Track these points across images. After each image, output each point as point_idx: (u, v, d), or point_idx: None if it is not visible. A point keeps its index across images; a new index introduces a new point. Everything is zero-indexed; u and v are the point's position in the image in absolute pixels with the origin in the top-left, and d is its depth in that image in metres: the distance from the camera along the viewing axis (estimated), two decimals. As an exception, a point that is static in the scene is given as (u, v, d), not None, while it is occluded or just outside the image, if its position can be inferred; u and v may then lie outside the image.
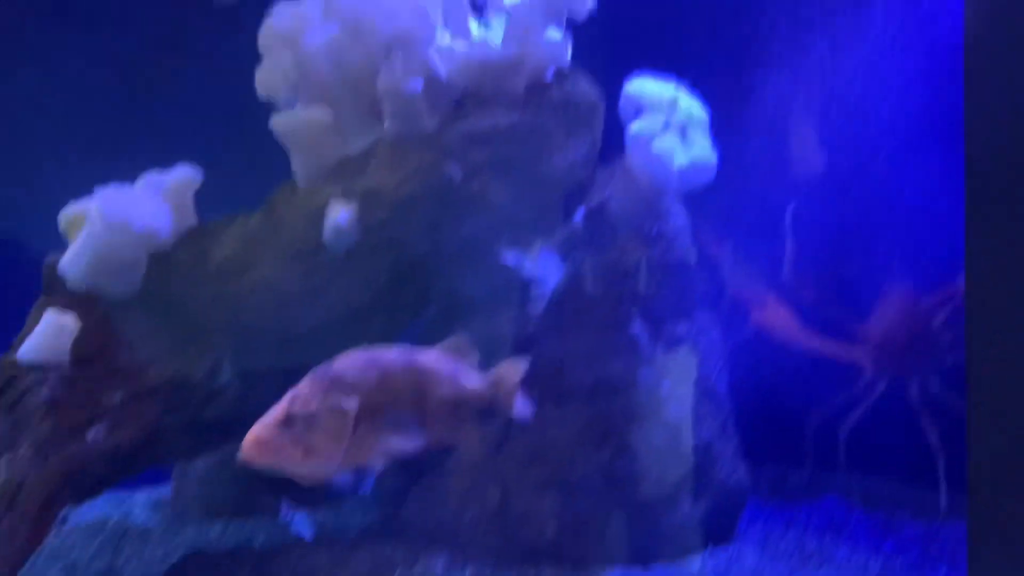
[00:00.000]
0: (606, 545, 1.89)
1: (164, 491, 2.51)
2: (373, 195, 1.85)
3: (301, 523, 2.27)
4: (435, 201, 1.88)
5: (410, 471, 2.01)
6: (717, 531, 2.04)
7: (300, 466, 1.31)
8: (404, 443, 1.39)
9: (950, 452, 2.22)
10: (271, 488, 2.32)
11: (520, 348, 2.03)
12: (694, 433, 2.04)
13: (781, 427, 2.48)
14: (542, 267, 2.19)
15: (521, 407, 1.61)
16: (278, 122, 1.89)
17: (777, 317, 2.43)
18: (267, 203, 1.91)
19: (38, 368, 1.66)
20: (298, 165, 1.92)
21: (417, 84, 1.85)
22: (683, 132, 2.08)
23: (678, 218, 2.16)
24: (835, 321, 2.43)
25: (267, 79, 1.98)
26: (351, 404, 1.35)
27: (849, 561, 1.99)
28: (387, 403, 1.39)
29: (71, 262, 1.72)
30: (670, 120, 2.07)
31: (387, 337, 2.15)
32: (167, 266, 1.80)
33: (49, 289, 1.75)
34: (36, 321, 1.70)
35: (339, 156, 1.91)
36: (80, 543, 2.13)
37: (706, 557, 1.97)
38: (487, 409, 1.58)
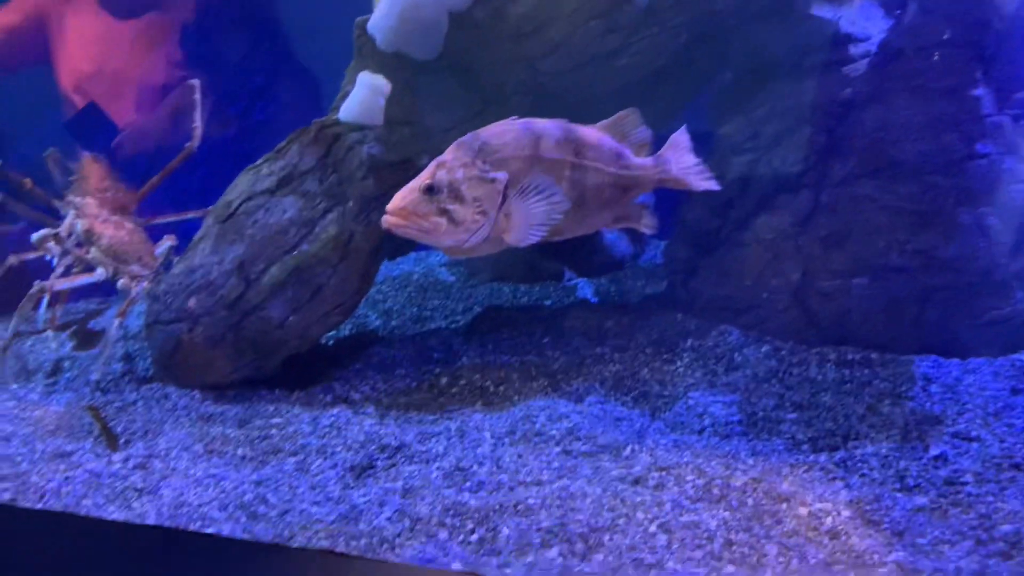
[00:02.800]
0: (918, 332, 1.74)
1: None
2: (677, -60, 1.65)
3: (585, 288, 2.34)
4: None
5: (700, 244, 1.95)
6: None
7: (444, 236, 1.27)
8: (557, 219, 1.30)
9: None
10: (555, 255, 2.39)
11: (833, 116, 1.82)
12: (1036, 217, 1.77)
13: None
14: (862, 20, 1.90)
15: (700, 182, 1.45)
16: None
17: None
18: (562, -46, 1.78)
19: (358, 128, 1.75)
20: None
21: None
22: None
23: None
24: None
25: None
26: (500, 175, 1.28)
27: None
28: (540, 176, 1.30)
29: (379, 22, 1.74)
30: None
31: (680, 101, 2.03)
32: (466, 26, 1.76)
33: (361, 51, 1.80)
34: (351, 82, 1.77)
35: None
36: (393, 294, 2.36)
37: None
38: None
